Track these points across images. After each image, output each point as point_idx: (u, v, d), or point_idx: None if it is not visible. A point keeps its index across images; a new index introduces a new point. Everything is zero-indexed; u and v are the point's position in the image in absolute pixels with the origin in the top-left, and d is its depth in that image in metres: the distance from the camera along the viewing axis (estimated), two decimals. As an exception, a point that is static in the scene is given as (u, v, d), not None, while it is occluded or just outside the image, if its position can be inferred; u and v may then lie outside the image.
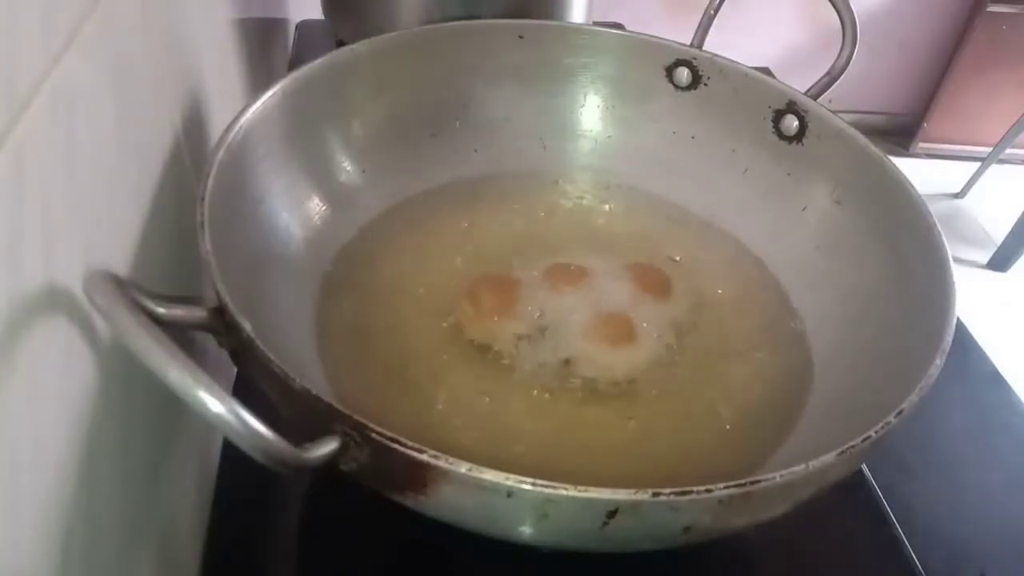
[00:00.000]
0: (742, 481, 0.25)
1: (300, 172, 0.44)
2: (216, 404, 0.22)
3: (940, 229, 0.38)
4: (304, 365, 0.37)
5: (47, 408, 0.22)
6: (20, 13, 0.21)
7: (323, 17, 0.72)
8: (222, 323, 0.29)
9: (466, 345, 0.41)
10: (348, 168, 0.48)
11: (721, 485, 0.25)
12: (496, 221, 0.49)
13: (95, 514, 0.25)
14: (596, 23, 0.68)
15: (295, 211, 0.43)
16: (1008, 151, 1.79)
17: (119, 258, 0.29)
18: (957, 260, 0.35)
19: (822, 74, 0.49)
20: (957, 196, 1.87)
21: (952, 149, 1.96)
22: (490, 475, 0.24)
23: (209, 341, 0.30)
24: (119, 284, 0.23)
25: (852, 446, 0.27)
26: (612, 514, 0.25)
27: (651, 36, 0.51)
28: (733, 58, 0.50)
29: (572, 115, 0.54)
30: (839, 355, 0.41)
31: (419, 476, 0.25)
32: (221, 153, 0.35)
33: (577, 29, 0.54)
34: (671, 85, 0.52)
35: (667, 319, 0.43)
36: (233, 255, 0.33)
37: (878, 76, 1.87)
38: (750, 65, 0.50)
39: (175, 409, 0.34)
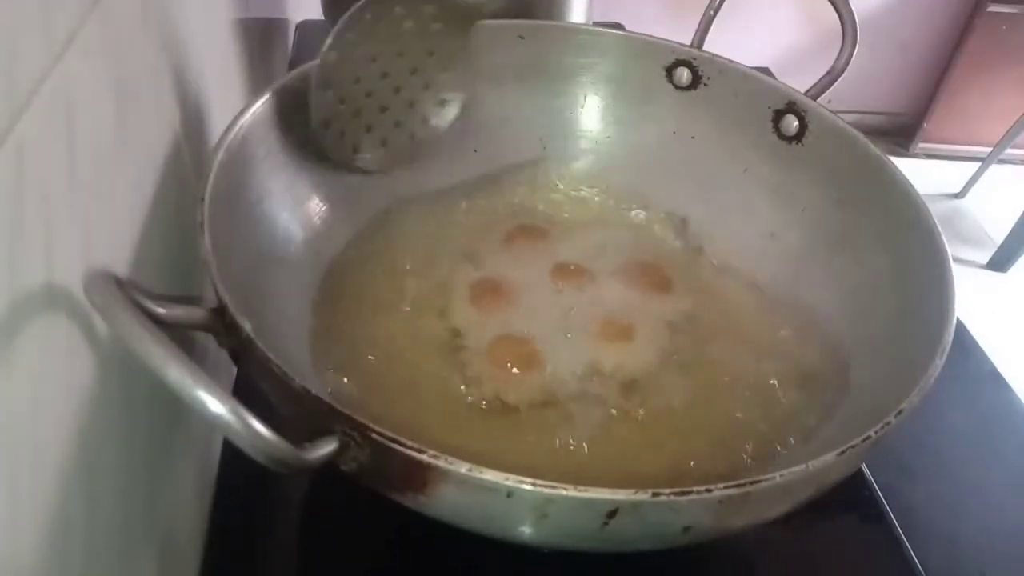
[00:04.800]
0: (742, 481, 0.25)
1: (300, 172, 0.44)
2: (216, 404, 0.22)
3: (940, 229, 0.38)
4: (304, 365, 0.37)
5: (47, 408, 0.22)
6: (20, 13, 0.21)
7: (323, 17, 0.72)
8: (222, 323, 0.29)
9: (465, 345, 0.41)
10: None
11: (721, 485, 0.25)
12: (496, 221, 0.49)
13: (95, 514, 0.25)
14: (596, 23, 0.68)
15: (295, 211, 0.43)
16: (1008, 151, 1.79)
17: (119, 258, 0.29)
18: (957, 260, 0.35)
19: (822, 74, 0.49)
20: (957, 196, 1.87)
21: (952, 149, 1.96)
22: (490, 475, 0.24)
23: (209, 341, 0.30)
24: (119, 284, 0.24)
25: (852, 446, 0.27)
26: (612, 514, 0.25)
27: (651, 36, 0.51)
28: (733, 58, 0.50)
29: (572, 115, 0.54)
30: (839, 355, 0.41)
31: (419, 476, 0.25)
32: (221, 153, 0.35)
33: (577, 29, 0.54)
34: (671, 85, 0.52)
35: (666, 318, 0.43)
36: (233, 255, 0.33)
37: (878, 76, 1.87)
38: (750, 65, 0.50)
39: (175, 409, 0.34)
